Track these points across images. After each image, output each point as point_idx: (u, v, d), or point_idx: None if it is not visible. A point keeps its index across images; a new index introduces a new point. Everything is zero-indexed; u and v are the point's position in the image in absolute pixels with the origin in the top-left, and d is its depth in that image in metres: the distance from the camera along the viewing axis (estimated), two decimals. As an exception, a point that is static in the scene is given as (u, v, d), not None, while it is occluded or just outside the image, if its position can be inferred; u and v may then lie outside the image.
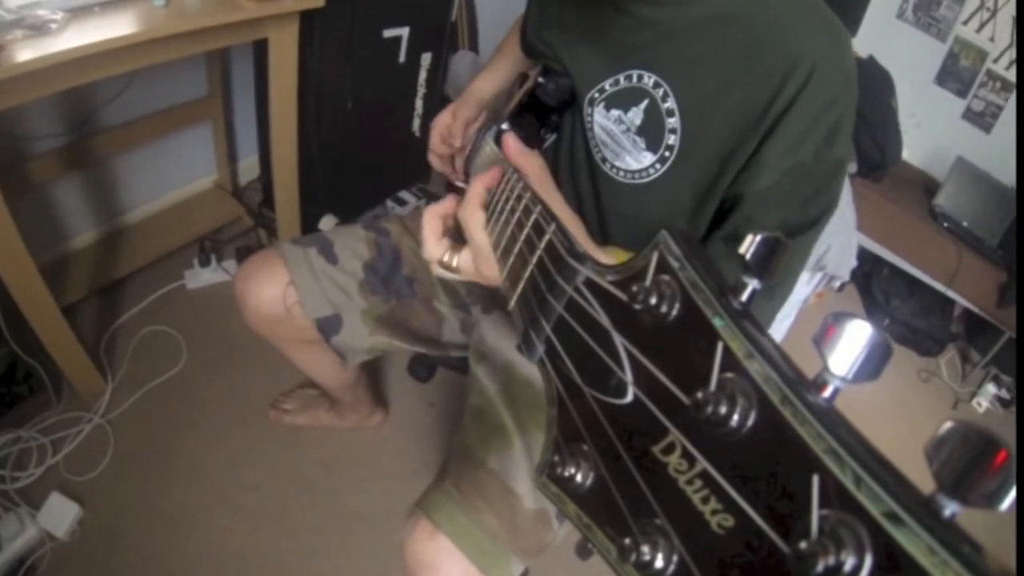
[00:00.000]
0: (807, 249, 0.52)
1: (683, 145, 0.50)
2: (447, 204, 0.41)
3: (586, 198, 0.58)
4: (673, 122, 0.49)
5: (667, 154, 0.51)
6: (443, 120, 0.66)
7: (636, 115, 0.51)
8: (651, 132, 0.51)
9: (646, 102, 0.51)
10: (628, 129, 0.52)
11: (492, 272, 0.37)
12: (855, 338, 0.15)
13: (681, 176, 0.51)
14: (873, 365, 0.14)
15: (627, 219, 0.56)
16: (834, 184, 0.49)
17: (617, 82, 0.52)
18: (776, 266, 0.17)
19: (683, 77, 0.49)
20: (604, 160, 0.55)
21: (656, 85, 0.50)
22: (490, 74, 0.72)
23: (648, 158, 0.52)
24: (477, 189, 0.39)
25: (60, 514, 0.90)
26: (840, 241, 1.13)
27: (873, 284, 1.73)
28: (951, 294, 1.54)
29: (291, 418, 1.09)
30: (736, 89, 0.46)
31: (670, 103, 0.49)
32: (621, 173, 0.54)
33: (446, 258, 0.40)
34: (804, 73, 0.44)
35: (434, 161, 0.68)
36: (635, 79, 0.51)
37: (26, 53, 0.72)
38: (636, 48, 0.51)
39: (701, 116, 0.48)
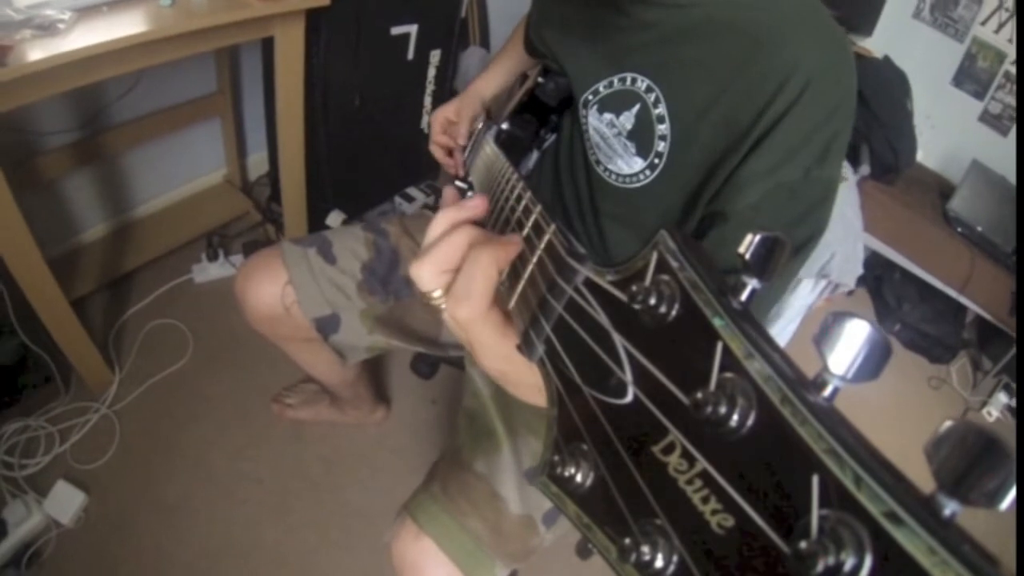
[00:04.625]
0: (787, 280, 0.50)
1: (672, 152, 0.49)
2: (468, 212, 0.30)
3: (583, 199, 0.58)
4: (663, 128, 0.49)
5: (656, 160, 0.50)
6: (443, 114, 0.66)
7: (627, 119, 0.51)
8: (641, 137, 0.50)
9: (637, 107, 0.50)
10: (620, 133, 0.52)
11: (488, 355, 0.29)
12: (854, 337, 0.14)
13: (671, 183, 0.50)
14: (873, 364, 0.14)
15: (620, 222, 0.56)
16: (823, 207, 0.46)
17: (611, 84, 0.52)
18: (776, 266, 0.17)
19: (675, 82, 0.48)
20: (598, 162, 0.55)
21: (648, 89, 0.49)
22: (492, 73, 0.72)
23: (639, 163, 0.51)
24: (482, 277, 0.27)
25: (66, 501, 0.92)
26: (845, 248, 1.11)
27: (884, 288, 1.71)
28: (963, 300, 1.52)
29: (293, 413, 1.10)
30: (727, 97, 0.45)
31: (661, 109, 0.49)
32: (613, 176, 0.54)
33: (436, 295, 0.29)
34: (798, 86, 0.42)
35: (436, 152, 0.68)
36: (628, 82, 0.51)
37: (35, 53, 0.72)
38: (632, 50, 0.50)
39: (691, 124, 0.47)
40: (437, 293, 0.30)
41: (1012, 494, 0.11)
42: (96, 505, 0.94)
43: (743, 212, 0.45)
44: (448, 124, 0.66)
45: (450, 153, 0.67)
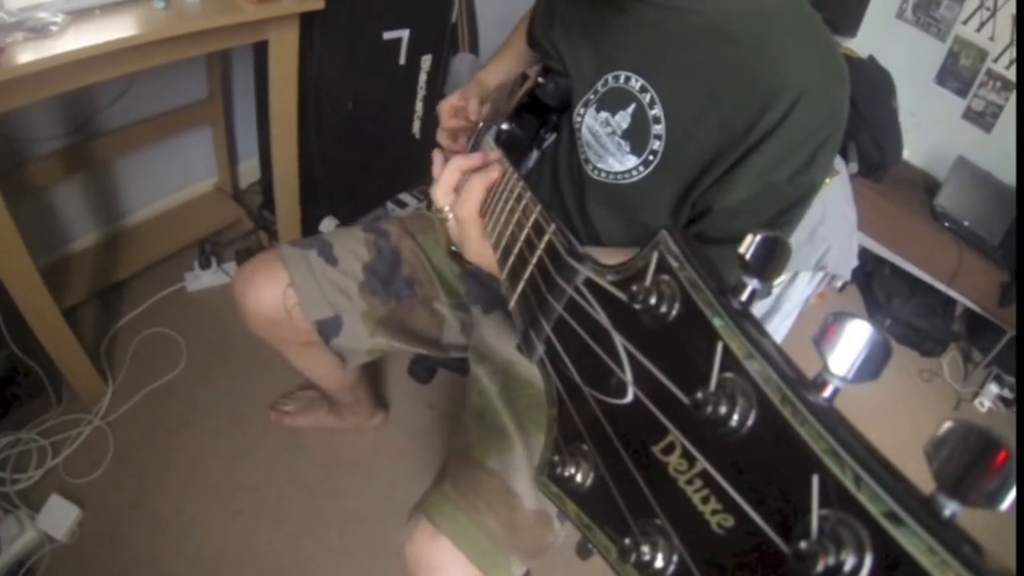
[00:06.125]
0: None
1: (666, 151, 0.50)
2: (472, 161, 0.43)
3: (579, 197, 0.58)
4: (659, 129, 0.50)
5: (651, 158, 0.51)
6: (451, 101, 0.65)
7: (623, 119, 0.51)
8: (636, 137, 0.51)
9: (633, 106, 0.51)
10: (614, 132, 0.52)
11: (471, 248, 0.43)
12: (855, 338, 0.14)
13: (663, 179, 0.51)
14: (873, 365, 0.14)
15: (611, 219, 0.56)
16: (800, 207, 0.49)
17: (606, 82, 0.52)
18: (777, 266, 0.17)
19: (671, 85, 0.49)
20: (587, 161, 0.55)
21: (643, 89, 0.50)
22: (495, 67, 0.72)
23: (632, 161, 0.52)
24: (477, 191, 0.41)
25: (60, 516, 0.90)
26: (841, 241, 1.13)
27: (874, 284, 1.73)
28: (952, 294, 1.54)
29: (291, 420, 1.09)
30: (721, 104, 0.46)
31: (656, 110, 0.49)
32: (603, 174, 0.54)
33: (447, 210, 0.44)
34: (788, 101, 0.43)
35: (443, 139, 0.67)
36: (622, 80, 0.51)
37: (27, 55, 0.72)
38: (628, 48, 0.51)
39: (685, 126, 0.49)
40: (447, 209, 0.44)
41: (1012, 495, 0.11)
42: (90, 519, 0.93)
43: (729, 208, 0.47)
44: (456, 110, 0.65)
45: (456, 140, 0.66)
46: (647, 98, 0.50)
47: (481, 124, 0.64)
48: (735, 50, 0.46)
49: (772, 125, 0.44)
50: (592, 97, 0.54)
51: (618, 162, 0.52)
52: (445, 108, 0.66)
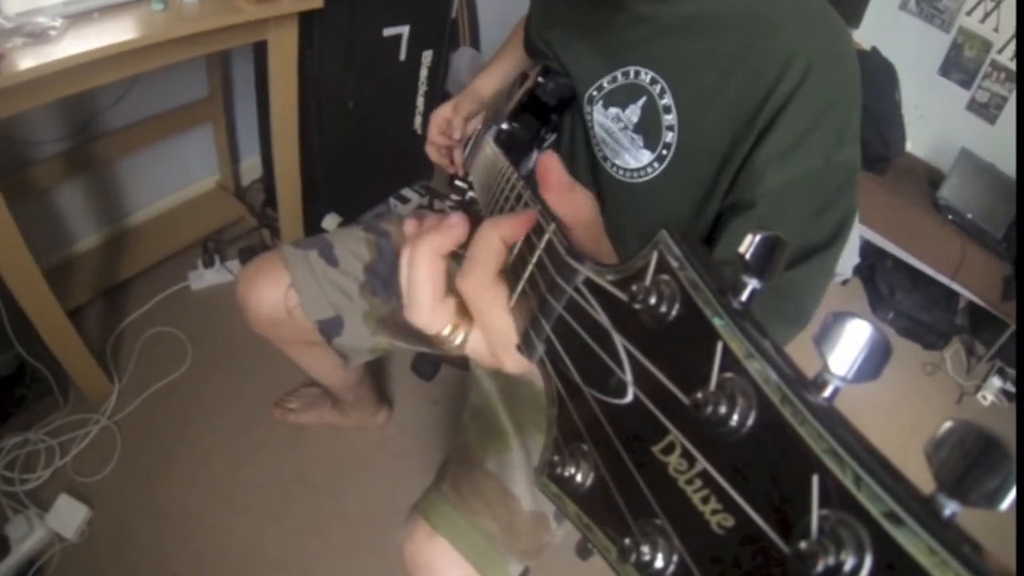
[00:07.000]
0: (829, 268, 0.48)
1: (680, 142, 0.49)
2: (453, 235, 0.24)
3: None
4: (670, 119, 0.49)
5: (664, 152, 0.51)
6: (442, 114, 0.66)
7: (634, 112, 0.51)
8: (648, 129, 0.51)
9: (643, 99, 0.51)
10: (626, 127, 0.52)
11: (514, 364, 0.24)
12: (855, 337, 0.14)
13: (680, 174, 0.51)
14: (873, 364, 0.14)
15: (629, 218, 0.56)
16: (849, 189, 0.46)
17: (615, 79, 0.52)
18: (776, 266, 0.17)
19: (679, 73, 0.49)
20: (605, 159, 0.55)
21: (653, 81, 0.50)
22: (492, 72, 0.72)
23: (646, 156, 0.52)
24: (488, 255, 0.24)
25: (69, 515, 0.91)
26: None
27: (877, 277, 1.73)
28: (955, 287, 1.54)
29: (295, 417, 1.10)
30: (732, 85, 0.46)
31: (667, 100, 0.49)
32: (621, 172, 0.54)
33: (447, 333, 0.25)
34: (799, 71, 0.43)
35: (431, 153, 0.68)
36: (632, 75, 0.51)
37: (26, 61, 0.72)
38: (632, 45, 0.51)
39: (697, 113, 0.48)
40: (448, 331, 0.25)
41: (1012, 494, 0.11)
42: (99, 518, 0.94)
43: (768, 197, 0.45)
44: (446, 123, 0.66)
45: (448, 152, 0.66)
46: (657, 89, 0.49)
47: (480, 125, 0.64)
48: (739, 28, 0.45)
49: (785, 98, 0.43)
50: (596, 94, 0.54)
51: (633, 158, 0.52)
52: (436, 120, 0.66)
